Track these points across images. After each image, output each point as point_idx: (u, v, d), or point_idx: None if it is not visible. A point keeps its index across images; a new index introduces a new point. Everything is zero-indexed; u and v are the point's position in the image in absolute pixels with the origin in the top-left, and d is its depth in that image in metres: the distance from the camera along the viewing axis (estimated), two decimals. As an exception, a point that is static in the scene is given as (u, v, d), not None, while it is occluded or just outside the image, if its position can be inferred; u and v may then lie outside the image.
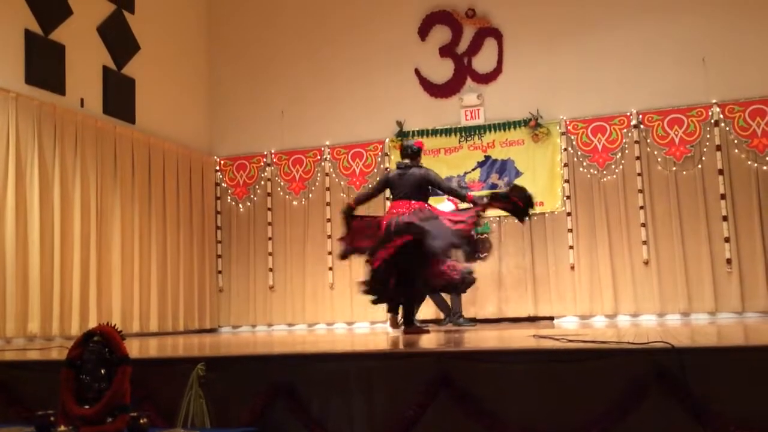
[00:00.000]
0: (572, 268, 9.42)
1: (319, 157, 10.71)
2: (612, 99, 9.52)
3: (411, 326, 6.03)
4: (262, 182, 10.94)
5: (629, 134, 9.46)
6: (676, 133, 9.27)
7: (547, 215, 9.66)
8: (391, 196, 6.38)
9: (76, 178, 8.44)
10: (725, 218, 8.94)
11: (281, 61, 11.04)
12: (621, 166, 9.43)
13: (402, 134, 10.30)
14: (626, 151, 9.47)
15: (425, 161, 10.06)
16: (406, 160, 6.35)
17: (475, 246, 6.33)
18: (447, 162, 10.14)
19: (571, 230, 9.38)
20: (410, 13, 10.53)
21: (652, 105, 9.40)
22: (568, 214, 9.51)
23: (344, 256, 6.36)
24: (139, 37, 9.82)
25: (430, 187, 6.20)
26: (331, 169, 10.63)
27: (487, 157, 10.01)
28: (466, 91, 10.27)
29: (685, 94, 9.25)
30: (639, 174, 9.35)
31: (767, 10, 9.09)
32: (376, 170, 10.41)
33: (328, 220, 10.52)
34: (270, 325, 10.60)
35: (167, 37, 10.50)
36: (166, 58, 10.41)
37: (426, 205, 6.08)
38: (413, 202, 6.01)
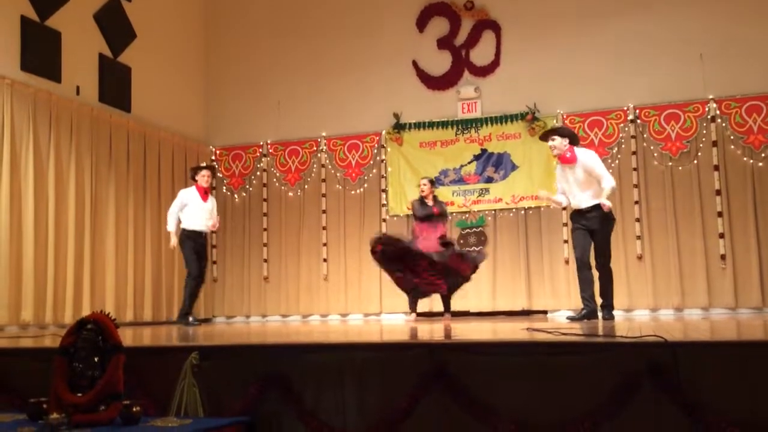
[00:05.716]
0: (566, 262, 9.43)
1: (315, 149, 10.69)
2: (609, 94, 9.52)
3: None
4: (258, 173, 10.91)
5: (626, 129, 9.47)
6: (673, 128, 9.28)
7: (542, 209, 9.67)
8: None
9: (71, 167, 8.41)
10: (720, 214, 8.96)
11: (278, 51, 11.00)
12: (617, 161, 9.43)
13: (399, 126, 10.28)
14: (623, 146, 9.47)
15: (421, 154, 10.13)
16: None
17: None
18: (443, 155, 10.13)
19: (565, 224, 9.36)
20: (408, 5, 10.49)
21: (649, 100, 9.40)
22: (564, 208, 9.49)
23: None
24: (136, 24, 9.77)
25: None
26: (327, 161, 10.61)
27: (484, 151, 10.00)
28: (463, 83, 10.25)
29: (682, 90, 9.26)
30: (635, 169, 9.36)
31: (766, 7, 9.08)
32: (372, 162, 10.40)
33: (324, 212, 10.51)
34: (264, 316, 10.60)
35: (164, 25, 10.45)
36: (162, 46, 10.36)
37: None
38: None
